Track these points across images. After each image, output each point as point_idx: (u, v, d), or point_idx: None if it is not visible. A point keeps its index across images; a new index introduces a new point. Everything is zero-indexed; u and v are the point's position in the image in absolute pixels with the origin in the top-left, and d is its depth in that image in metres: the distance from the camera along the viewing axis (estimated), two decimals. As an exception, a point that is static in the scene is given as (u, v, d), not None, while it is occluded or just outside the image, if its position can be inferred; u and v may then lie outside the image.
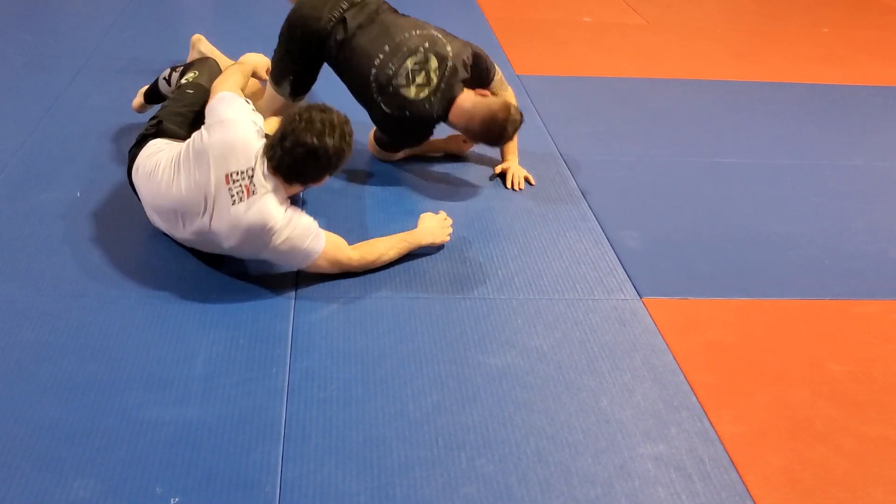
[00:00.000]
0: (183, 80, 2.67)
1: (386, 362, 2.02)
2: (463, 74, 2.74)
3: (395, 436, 1.80)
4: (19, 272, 2.29)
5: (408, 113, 2.72)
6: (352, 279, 2.33)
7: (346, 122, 2.19)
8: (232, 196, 2.15)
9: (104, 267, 2.33)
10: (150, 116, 2.57)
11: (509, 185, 2.91)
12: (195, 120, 2.50)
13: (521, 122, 2.69)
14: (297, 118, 2.14)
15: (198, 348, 2.03)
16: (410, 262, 2.43)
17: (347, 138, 2.18)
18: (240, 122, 2.25)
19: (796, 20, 5.24)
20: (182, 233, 2.28)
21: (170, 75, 2.87)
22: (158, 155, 2.34)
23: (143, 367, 1.95)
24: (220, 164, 2.17)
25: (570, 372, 2.04)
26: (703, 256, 2.58)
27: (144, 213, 2.46)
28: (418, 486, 1.69)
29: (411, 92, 2.69)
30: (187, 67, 2.76)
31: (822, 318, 2.34)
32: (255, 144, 2.20)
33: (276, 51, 2.91)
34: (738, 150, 3.33)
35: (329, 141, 2.13)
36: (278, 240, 2.17)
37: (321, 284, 2.30)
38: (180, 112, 2.53)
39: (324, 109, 2.17)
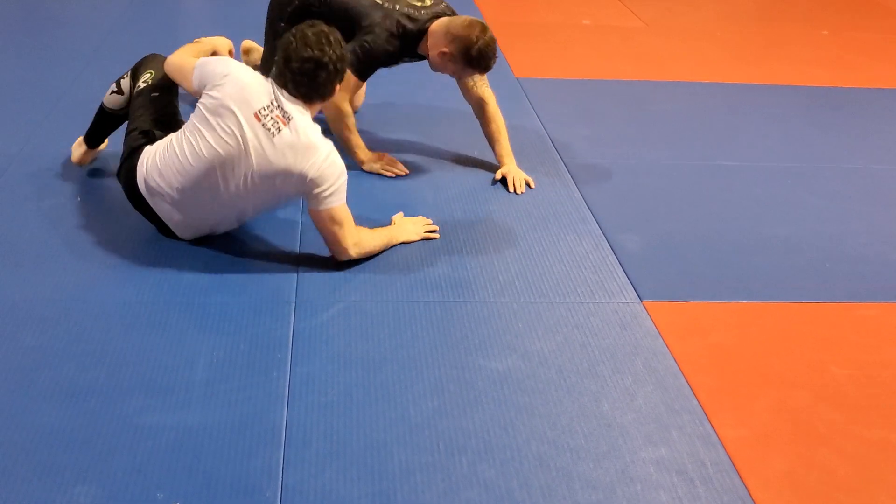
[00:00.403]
0: (141, 84, 2.56)
1: (387, 367, 2.02)
2: (451, 14, 2.82)
3: (395, 440, 1.80)
4: (19, 277, 2.28)
5: (397, 7, 2.75)
6: (352, 282, 2.33)
7: (334, 29, 2.30)
8: (269, 130, 2.23)
9: (105, 272, 2.33)
10: (127, 130, 2.49)
11: (511, 189, 2.91)
12: (173, 121, 2.49)
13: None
14: (291, 40, 2.24)
15: (198, 353, 2.02)
16: (411, 266, 2.43)
17: (342, 43, 2.29)
18: (241, 69, 2.33)
19: (796, 22, 5.25)
20: (225, 193, 2.29)
21: (118, 87, 2.65)
22: (164, 144, 2.35)
23: (144, 373, 1.95)
24: (244, 107, 2.24)
25: (571, 376, 2.03)
26: (703, 259, 2.58)
27: (145, 218, 2.46)
28: (419, 491, 1.68)
29: None
30: (138, 70, 2.62)
31: (824, 321, 2.33)
32: (265, 80, 2.30)
33: (263, 49, 2.97)
34: (738, 152, 3.33)
35: (328, 49, 2.23)
36: (323, 157, 2.25)
37: (322, 288, 2.30)
38: (158, 119, 2.48)
39: (312, 24, 2.28)
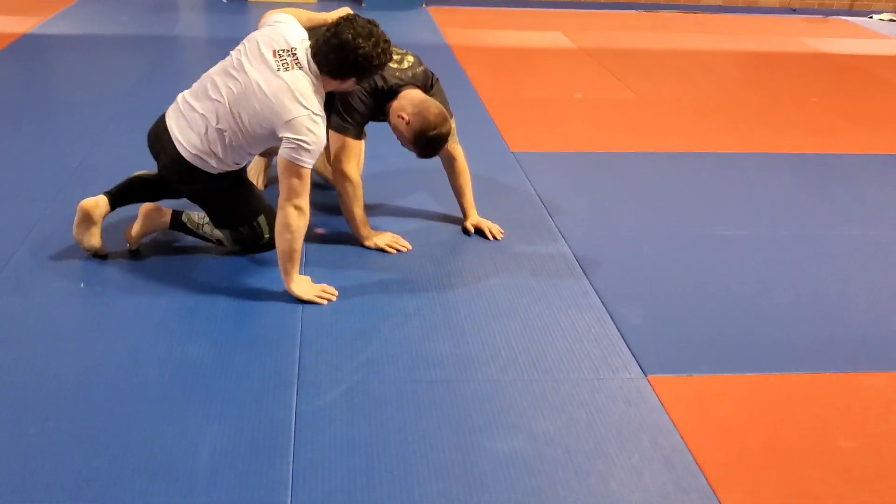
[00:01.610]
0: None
1: (390, 449, 2.01)
2: (426, 81, 2.94)
3: (402, 526, 1.78)
4: (23, 362, 2.28)
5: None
6: (354, 361, 2.33)
7: (387, 40, 2.51)
8: (279, 66, 2.50)
9: (107, 357, 2.33)
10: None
11: (490, 237, 3.11)
12: None
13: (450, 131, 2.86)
14: (347, 18, 2.51)
15: (202, 439, 2.01)
16: (413, 342, 2.43)
17: (382, 45, 2.48)
18: (292, 24, 2.62)
19: (784, 90, 5.35)
20: (234, 85, 2.54)
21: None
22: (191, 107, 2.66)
23: (148, 459, 1.93)
24: (266, 42, 2.55)
25: (577, 455, 2.02)
26: (705, 331, 2.58)
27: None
28: (428, 579, 1.66)
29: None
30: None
31: (829, 391, 2.33)
32: (297, 36, 2.57)
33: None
34: (734, 221, 3.37)
35: (361, 42, 2.44)
36: (314, 114, 2.46)
37: (324, 368, 2.30)
38: None
39: (371, 21, 2.51)
